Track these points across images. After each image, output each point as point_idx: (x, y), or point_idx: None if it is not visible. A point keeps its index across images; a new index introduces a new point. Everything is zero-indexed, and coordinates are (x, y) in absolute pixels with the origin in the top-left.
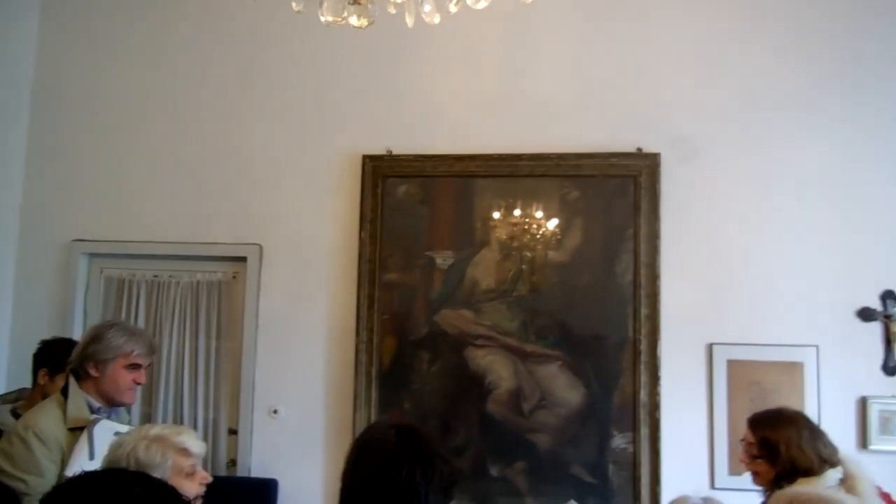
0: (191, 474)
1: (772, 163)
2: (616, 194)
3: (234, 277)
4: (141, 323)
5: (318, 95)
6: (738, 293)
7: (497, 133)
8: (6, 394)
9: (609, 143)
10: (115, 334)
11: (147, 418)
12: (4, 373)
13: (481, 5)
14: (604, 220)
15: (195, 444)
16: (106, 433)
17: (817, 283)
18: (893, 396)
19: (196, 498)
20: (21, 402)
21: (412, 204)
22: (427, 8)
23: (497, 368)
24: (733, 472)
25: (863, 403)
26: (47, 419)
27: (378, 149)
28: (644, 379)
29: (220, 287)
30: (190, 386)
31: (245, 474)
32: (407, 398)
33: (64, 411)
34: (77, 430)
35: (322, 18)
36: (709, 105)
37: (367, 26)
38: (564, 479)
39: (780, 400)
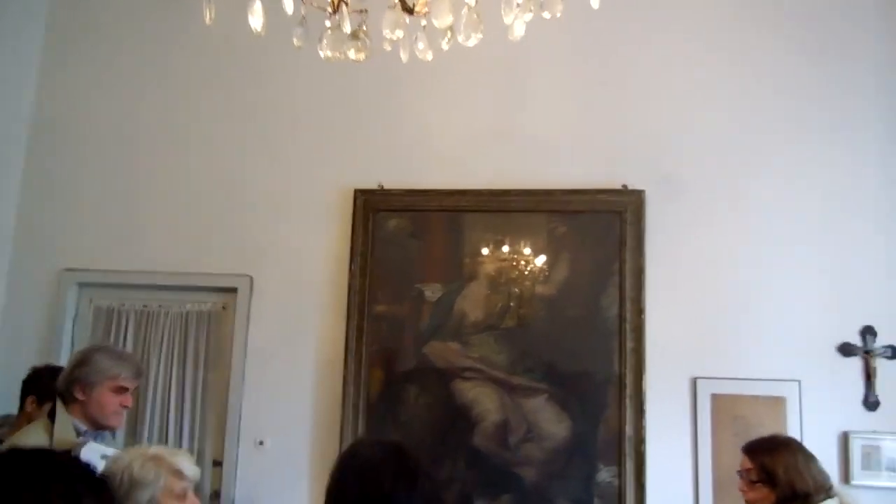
0: (181, 497)
1: (754, 201)
2: (602, 230)
3: (223, 308)
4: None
5: (310, 130)
6: (721, 328)
7: (487, 169)
8: None
9: (596, 179)
10: (102, 358)
11: None
12: None
13: (472, 42)
14: (590, 254)
15: (190, 467)
16: (93, 455)
17: (799, 319)
18: (875, 432)
19: None
20: (5, 428)
21: (402, 237)
22: (420, 45)
23: (484, 401)
24: None
25: (845, 438)
26: (32, 442)
27: (369, 183)
28: (629, 413)
29: (209, 318)
30: (176, 416)
31: None
32: (394, 430)
33: (50, 434)
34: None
35: (321, 54)
36: (693, 144)
37: (363, 60)
38: None
39: (764, 434)
